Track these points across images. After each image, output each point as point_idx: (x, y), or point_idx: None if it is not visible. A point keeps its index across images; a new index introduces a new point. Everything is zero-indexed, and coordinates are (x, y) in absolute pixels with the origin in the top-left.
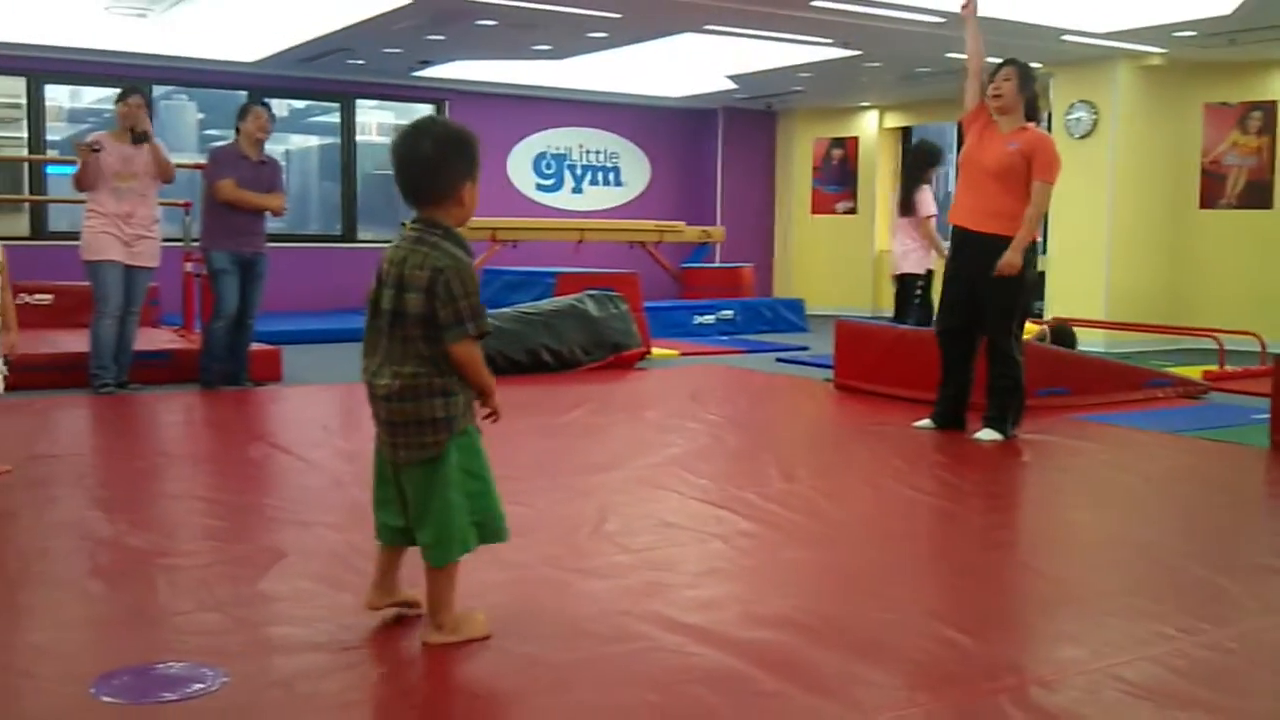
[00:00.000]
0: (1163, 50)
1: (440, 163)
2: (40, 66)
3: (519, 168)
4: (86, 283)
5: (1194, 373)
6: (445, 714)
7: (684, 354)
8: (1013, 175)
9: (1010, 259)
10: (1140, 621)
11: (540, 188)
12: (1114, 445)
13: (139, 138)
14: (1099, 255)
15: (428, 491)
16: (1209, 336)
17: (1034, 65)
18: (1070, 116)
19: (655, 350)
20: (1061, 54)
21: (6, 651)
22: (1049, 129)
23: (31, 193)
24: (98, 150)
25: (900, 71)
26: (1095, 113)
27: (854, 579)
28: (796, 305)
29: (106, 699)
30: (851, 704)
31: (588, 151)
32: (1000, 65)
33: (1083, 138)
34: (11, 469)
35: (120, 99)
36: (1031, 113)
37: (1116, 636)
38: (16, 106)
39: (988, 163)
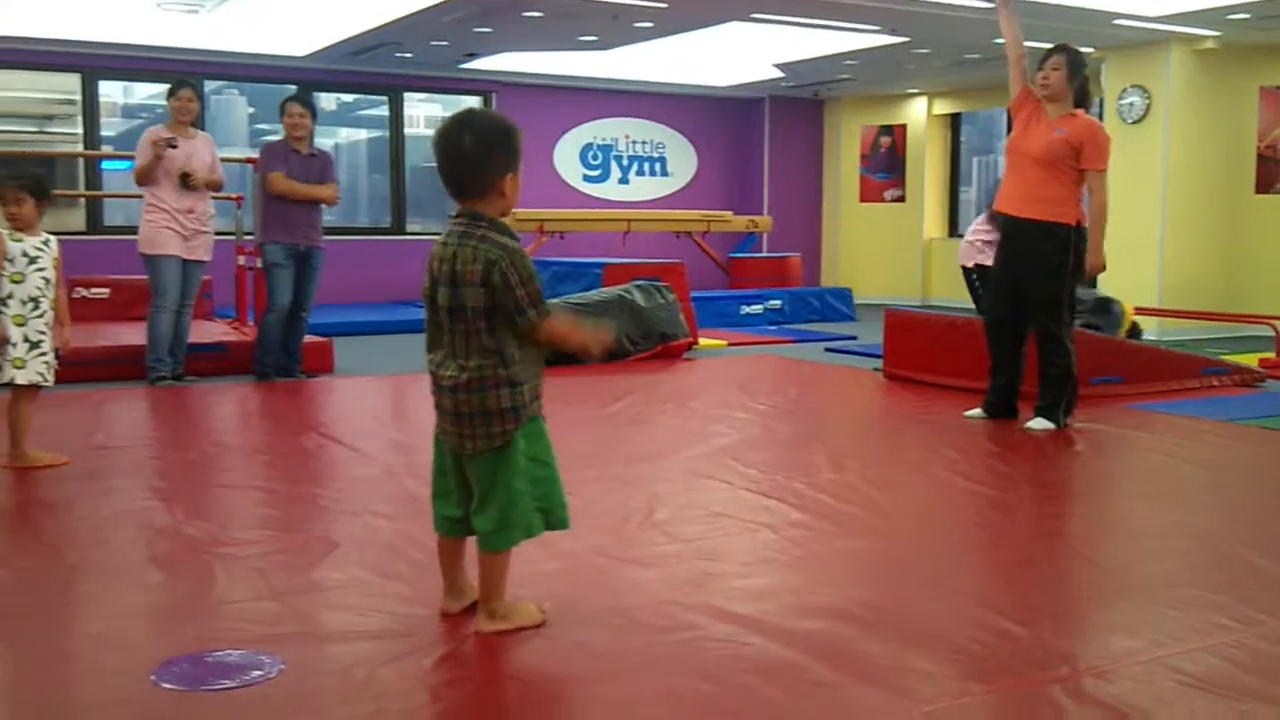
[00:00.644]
0: (1217, 33)
1: (481, 156)
2: (94, 63)
3: (566, 159)
4: (142, 276)
5: (1250, 360)
6: (499, 701)
7: (732, 344)
8: (1059, 162)
9: (1094, 260)
10: (1197, 612)
11: (587, 179)
12: (1169, 434)
13: (184, 180)
14: (1152, 242)
15: (493, 478)
16: (1265, 323)
17: (1085, 50)
18: (1123, 101)
19: (703, 340)
20: (1114, 38)
21: (68, 640)
22: (1100, 115)
23: (87, 188)
24: (174, 146)
25: (949, 57)
26: (1148, 97)
27: (905, 569)
28: (845, 294)
29: (166, 686)
30: (904, 693)
31: (634, 142)
32: (1050, 52)
33: (1135, 123)
34: (70, 460)
35: (171, 94)
36: (1081, 99)
37: (1172, 627)
38: (71, 103)
39: (1033, 149)
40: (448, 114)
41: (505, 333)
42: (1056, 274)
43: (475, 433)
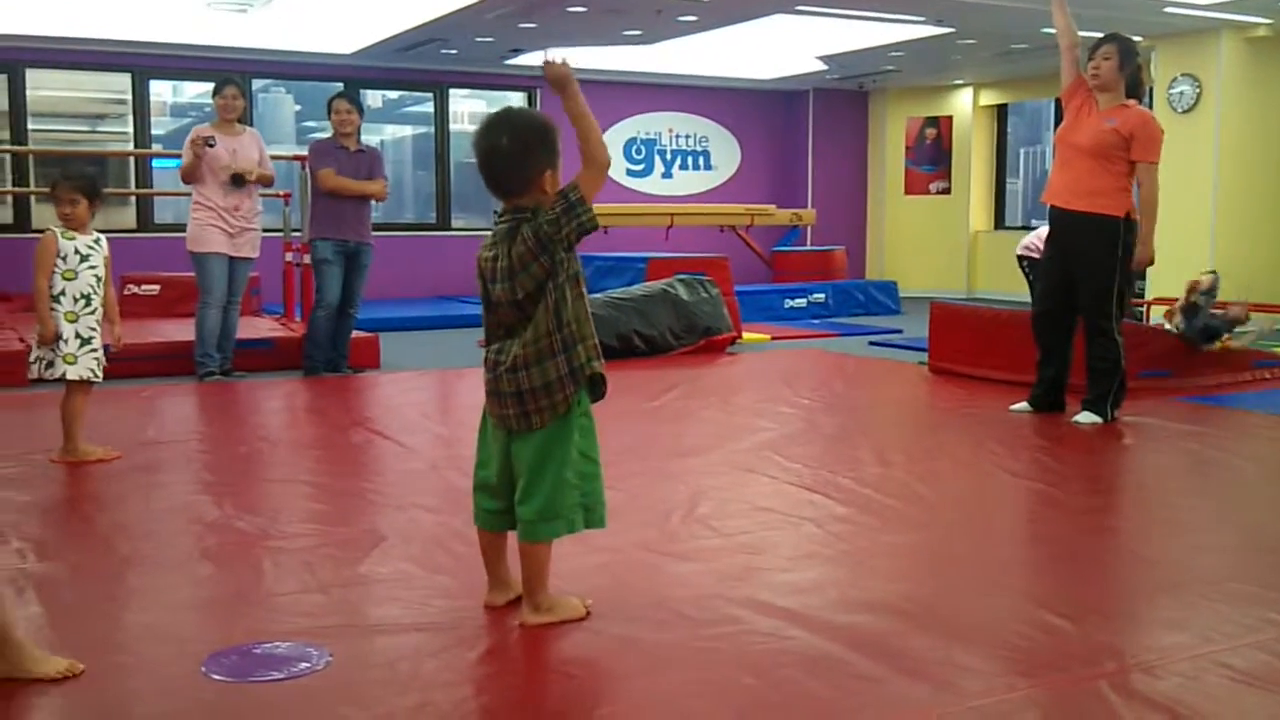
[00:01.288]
0: (1269, 20)
1: (520, 154)
2: (144, 63)
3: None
4: (191, 273)
5: None
6: (543, 694)
7: (775, 338)
8: (1109, 153)
9: (1142, 254)
10: (1246, 607)
11: (630, 173)
12: (1219, 427)
13: (238, 180)
14: (1203, 232)
15: (543, 464)
16: None
17: (1135, 39)
18: (1172, 90)
19: (746, 335)
20: (1164, 26)
21: (119, 631)
22: (1150, 104)
23: (137, 186)
24: (212, 145)
25: (995, 48)
26: (1198, 86)
27: (951, 563)
28: (889, 287)
29: (216, 677)
30: (949, 688)
31: (677, 136)
32: (1100, 41)
33: (1185, 112)
34: (121, 455)
35: (215, 92)
36: (1134, 89)
37: (1221, 622)
38: (122, 102)
39: (1082, 141)
40: (493, 110)
41: (560, 298)
42: (1105, 267)
43: (539, 405)
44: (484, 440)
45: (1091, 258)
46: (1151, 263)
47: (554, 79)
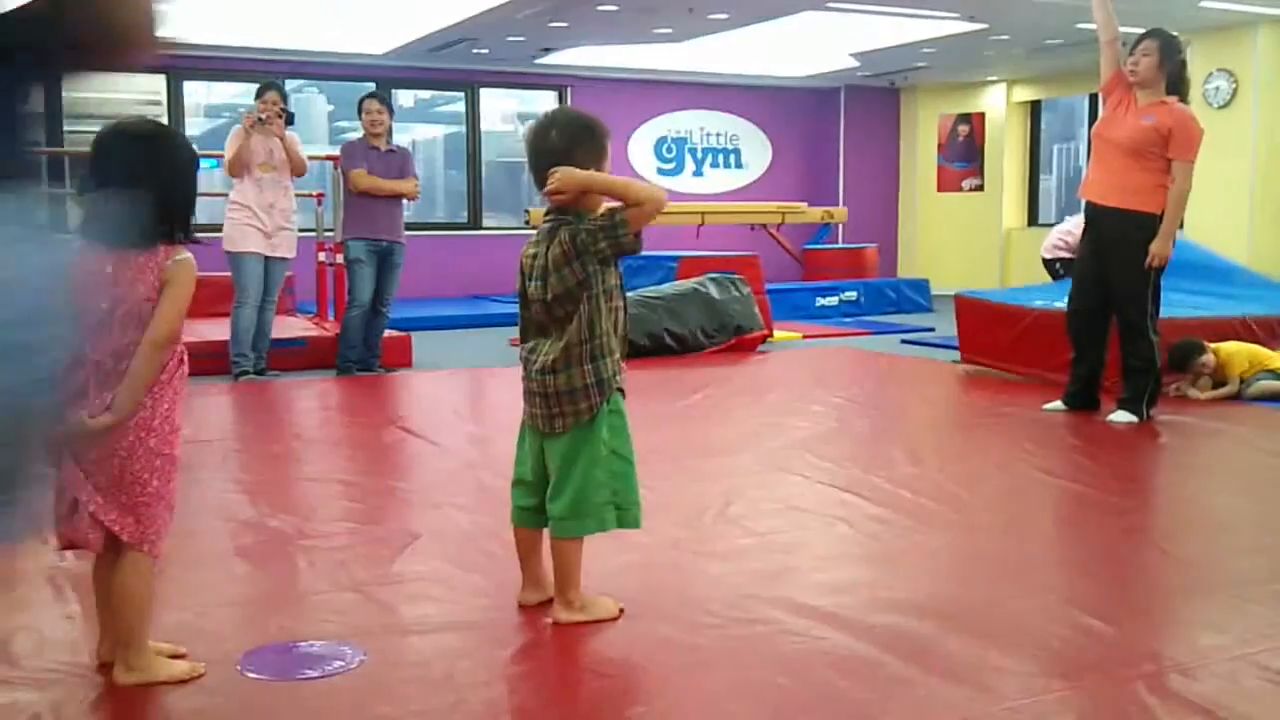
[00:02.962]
0: None
1: (564, 151)
2: (179, 64)
3: (640, 152)
4: (225, 273)
5: None
6: (577, 693)
7: (807, 336)
8: (1146, 150)
9: (1159, 249)
10: None
11: (661, 171)
12: (1255, 427)
13: (289, 117)
14: (1241, 230)
15: (572, 462)
16: None
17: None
18: (1208, 85)
19: (777, 333)
20: (1199, 20)
21: (157, 629)
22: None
23: None
24: (266, 120)
25: (1029, 44)
26: (1235, 81)
27: (985, 564)
28: (921, 285)
29: (252, 675)
30: (984, 690)
31: (708, 134)
32: (1141, 37)
33: (1221, 108)
34: None
35: (257, 95)
36: (1176, 86)
37: (1259, 624)
38: (157, 103)
39: (1119, 137)
40: (524, 109)
41: (594, 310)
42: (1140, 264)
43: (564, 410)
44: (521, 437)
45: (1126, 255)
46: (1168, 258)
47: (572, 188)
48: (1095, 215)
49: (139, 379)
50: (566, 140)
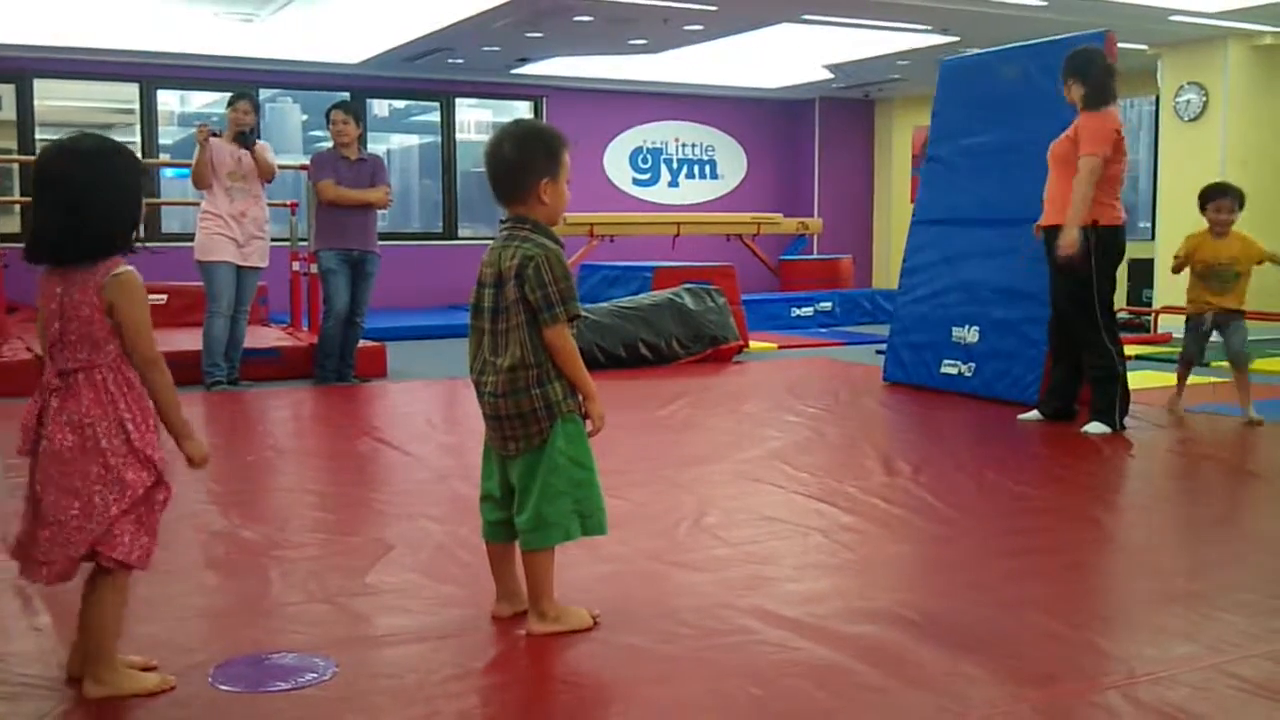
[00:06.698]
0: (1275, 29)
1: (519, 162)
2: (152, 72)
3: (615, 163)
4: (198, 283)
5: None
6: (550, 704)
7: (782, 347)
8: (1066, 161)
9: (1065, 238)
10: (1256, 617)
11: (637, 182)
12: (1227, 437)
13: (245, 139)
14: None
15: (532, 476)
16: None
17: (1139, 48)
18: (1179, 99)
19: (753, 344)
20: (1169, 34)
21: (126, 641)
22: (1156, 112)
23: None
24: (216, 135)
25: None
26: (1205, 95)
27: (958, 573)
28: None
29: (223, 687)
30: (957, 699)
31: (684, 145)
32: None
33: (1192, 121)
34: None
35: (229, 104)
36: (1099, 95)
37: (1230, 633)
38: (130, 112)
39: (1050, 153)
40: (499, 119)
41: (540, 334)
42: (1080, 276)
43: (515, 434)
44: (486, 453)
45: (1065, 268)
46: (1073, 249)
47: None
48: (1043, 232)
49: (166, 406)
50: (520, 152)
